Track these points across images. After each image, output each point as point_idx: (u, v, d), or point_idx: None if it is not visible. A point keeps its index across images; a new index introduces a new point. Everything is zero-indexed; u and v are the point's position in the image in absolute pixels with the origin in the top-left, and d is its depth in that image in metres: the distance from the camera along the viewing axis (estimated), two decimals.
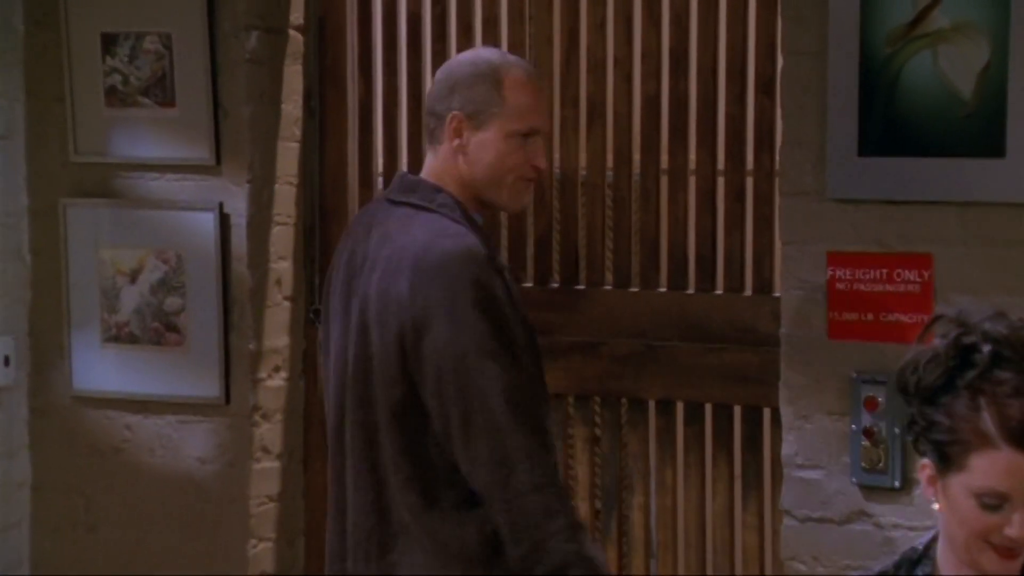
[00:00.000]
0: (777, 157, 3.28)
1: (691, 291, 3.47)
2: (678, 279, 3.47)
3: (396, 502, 2.58)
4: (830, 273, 3.16)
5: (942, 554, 1.97)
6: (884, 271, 3.13)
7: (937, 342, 1.92)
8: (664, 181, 3.49)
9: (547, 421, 2.55)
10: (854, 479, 3.16)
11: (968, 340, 1.90)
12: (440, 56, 3.64)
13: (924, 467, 1.93)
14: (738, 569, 3.44)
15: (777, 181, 3.29)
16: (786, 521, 3.23)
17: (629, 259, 3.51)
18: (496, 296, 2.51)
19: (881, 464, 3.13)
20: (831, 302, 3.16)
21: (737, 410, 3.42)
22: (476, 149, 2.61)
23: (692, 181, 3.45)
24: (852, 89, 3.09)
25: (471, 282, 2.49)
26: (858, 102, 3.09)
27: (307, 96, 3.76)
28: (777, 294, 3.31)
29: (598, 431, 3.56)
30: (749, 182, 3.42)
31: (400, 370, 2.54)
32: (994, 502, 1.85)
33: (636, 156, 3.50)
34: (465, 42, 3.60)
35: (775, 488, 3.34)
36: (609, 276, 3.53)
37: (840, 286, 3.16)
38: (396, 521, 2.59)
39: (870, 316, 3.14)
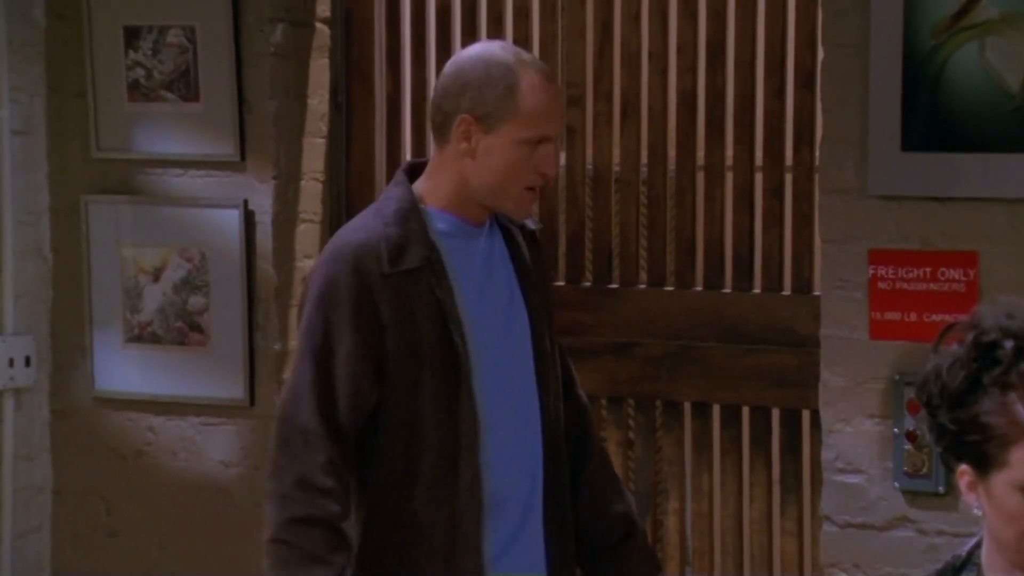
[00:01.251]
0: (817, 153, 3.23)
1: (728, 290, 3.41)
2: (714, 278, 3.42)
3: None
4: (872, 272, 3.13)
5: (988, 559, 1.93)
6: (928, 270, 3.09)
7: (955, 348, 1.90)
8: (700, 178, 3.44)
9: (314, 437, 2.47)
10: (896, 484, 3.12)
11: (988, 339, 1.88)
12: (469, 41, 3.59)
13: (963, 474, 1.91)
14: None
15: (817, 177, 3.24)
16: (826, 527, 3.18)
17: (664, 257, 3.46)
18: (337, 296, 2.49)
19: (924, 469, 3.09)
20: (873, 301, 3.12)
21: (775, 413, 3.37)
22: (484, 154, 2.53)
23: (729, 178, 3.39)
24: (895, 82, 3.06)
25: (324, 277, 2.52)
26: (901, 96, 3.06)
27: (333, 90, 3.73)
28: (817, 293, 3.26)
29: (631, 434, 3.51)
30: (788, 179, 3.36)
31: None
32: None
33: (671, 152, 3.45)
34: (496, 35, 3.55)
35: (815, 493, 3.28)
36: (643, 275, 3.48)
37: (882, 285, 3.12)
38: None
39: (913, 316, 3.11)
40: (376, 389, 2.51)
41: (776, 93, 3.33)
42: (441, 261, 2.55)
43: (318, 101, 3.70)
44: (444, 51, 3.62)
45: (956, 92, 3.02)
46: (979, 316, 1.92)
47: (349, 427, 2.50)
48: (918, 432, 3.09)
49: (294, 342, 3.67)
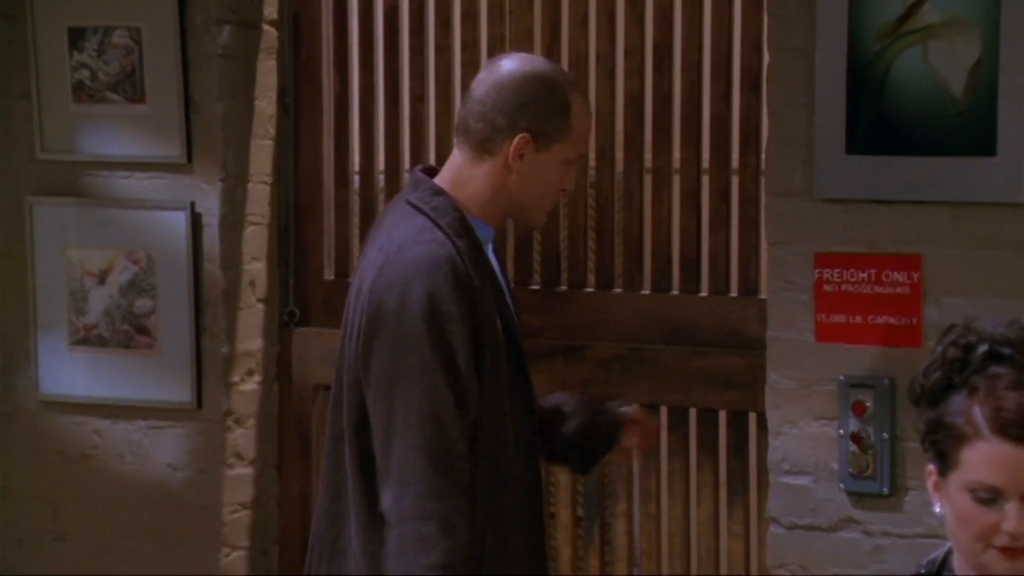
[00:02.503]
0: (763, 156, 3.23)
1: (675, 293, 3.42)
2: (662, 281, 3.43)
3: (349, 511, 2.57)
4: (818, 274, 3.13)
5: (958, 563, 1.95)
6: (873, 272, 3.10)
7: (938, 348, 1.92)
8: (648, 180, 3.44)
9: (460, 459, 2.47)
10: (842, 485, 3.13)
11: (966, 340, 1.90)
12: (418, 52, 3.58)
13: (929, 474, 1.93)
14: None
15: (763, 180, 3.25)
16: (773, 528, 3.19)
17: (612, 260, 3.47)
18: (447, 312, 2.47)
19: (870, 470, 3.10)
20: (818, 304, 3.13)
21: (722, 415, 3.38)
22: (529, 171, 2.60)
23: (676, 180, 3.40)
24: (840, 86, 3.06)
25: (425, 294, 2.47)
26: (846, 99, 3.07)
27: (281, 92, 3.71)
28: (763, 296, 3.26)
29: None
30: (734, 181, 3.37)
31: (359, 374, 2.54)
32: (987, 496, 1.83)
33: (619, 155, 3.45)
34: (444, 37, 3.54)
35: (761, 495, 3.29)
36: (592, 278, 3.49)
37: (828, 288, 3.13)
38: (349, 530, 2.58)
39: (858, 318, 3.11)
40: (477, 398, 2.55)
41: (723, 96, 3.34)
42: (493, 272, 2.62)
43: (266, 103, 3.68)
44: (392, 53, 3.62)
45: (900, 96, 3.04)
46: (970, 319, 1.94)
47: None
48: (863, 434, 3.10)
49: (242, 345, 3.66)
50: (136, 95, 3.61)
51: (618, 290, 3.46)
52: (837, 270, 3.12)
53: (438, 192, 2.59)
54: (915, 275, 3.07)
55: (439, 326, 2.47)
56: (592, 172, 3.48)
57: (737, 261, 3.36)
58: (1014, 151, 2.96)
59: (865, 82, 3.05)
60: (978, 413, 1.84)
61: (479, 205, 2.61)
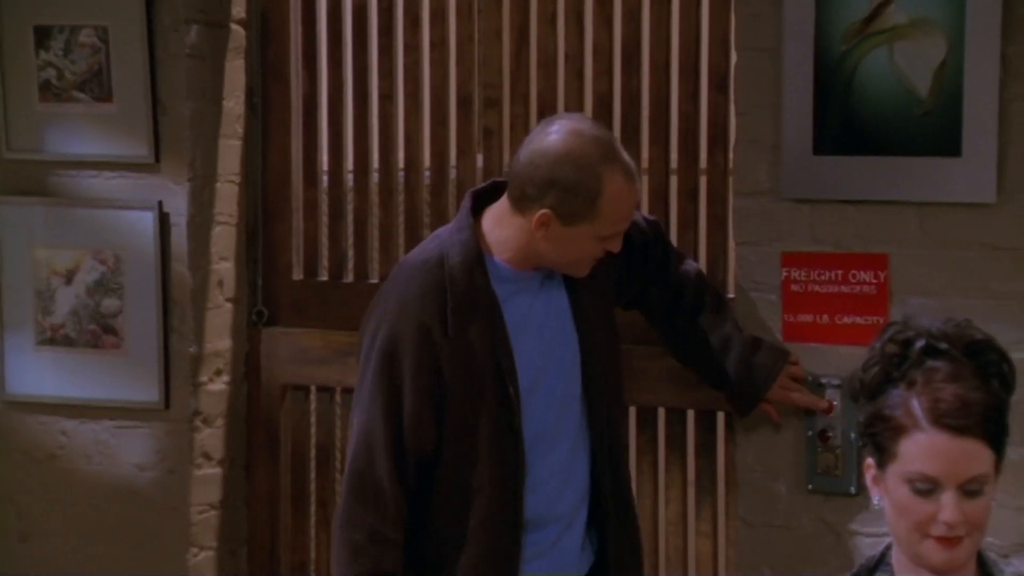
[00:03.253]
0: (731, 155, 3.23)
1: None
2: None
3: None
4: (785, 274, 3.14)
5: (896, 557, 1.96)
6: (840, 272, 3.11)
7: (876, 344, 1.94)
8: None
9: (382, 491, 2.64)
10: (810, 485, 3.14)
11: (904, 336, 1.92)
12: (387, 51, 3.58)
13: (868, 467, 1.95)
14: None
15: (731, 180, 3.25)
16: (741, 528, 3.19)
17: None
18: (403, 355, 2.61)
19: (837, 470, 3.11)
20: (786, 304, 3.14)
21: (691, 414, 3.37)
22: (558, 240, 2.66)
23: (645, 180, 3.39)
24: (807, 87, 3.07)
25: (389, 333, 2.63)
26: (813, 100, 3.08)
27: (249, 92, 3.69)
28: (731, 295, 3.26)
29: None
30: (702, 181, 3.37)
31: None
32: (924, 487, 1.85)
33: None
34: (413, 36, 3.54)
35: (730, 494, 3.30)
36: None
37: (795, 287, 3.14)
38: None
39: (825, 318, 3.12)
40: (435, 439, 2.65)
41: (691, 96, 3.34)
42: (500, 310, 2.67)
43: (234, 103, 3.67)
44: (361, 52, 3.61)
45: (867, 96, 3.05)
46: (908, 315, 1.96)
47: (413, 476, 2.66)
48: (830, 433, 3.11)
49: (210, 345, 3.65)
50: (103, 94, 3.59)
51: None
52: (804, 270, 3.13)
53: (464, 227, 2.69)
54: (882, 274, 3.08)
55: (391, 366, 2.62)
56: None
57: (705, 260, 3.36)
58: (979, 151, 2.98)
59: (832, 83, 3.06)
60: (916, 405, 1.86)
61: (508, 251, 2.70)
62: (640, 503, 3.42)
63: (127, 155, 3.60)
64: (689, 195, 3.36)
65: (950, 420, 1.84)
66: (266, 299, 3.70)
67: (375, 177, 3.63)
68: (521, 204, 2.66)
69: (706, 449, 3.37)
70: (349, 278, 3.62)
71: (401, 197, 3.59)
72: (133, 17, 3.53)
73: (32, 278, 3.68)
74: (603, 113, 3.41)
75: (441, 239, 2.73)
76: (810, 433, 3.13)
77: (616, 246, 2.72)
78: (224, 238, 3.68)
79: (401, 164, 3.58)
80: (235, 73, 3.67)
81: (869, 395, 1.93)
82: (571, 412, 2.77)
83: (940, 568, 1.88)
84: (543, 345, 2.73)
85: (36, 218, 3.67)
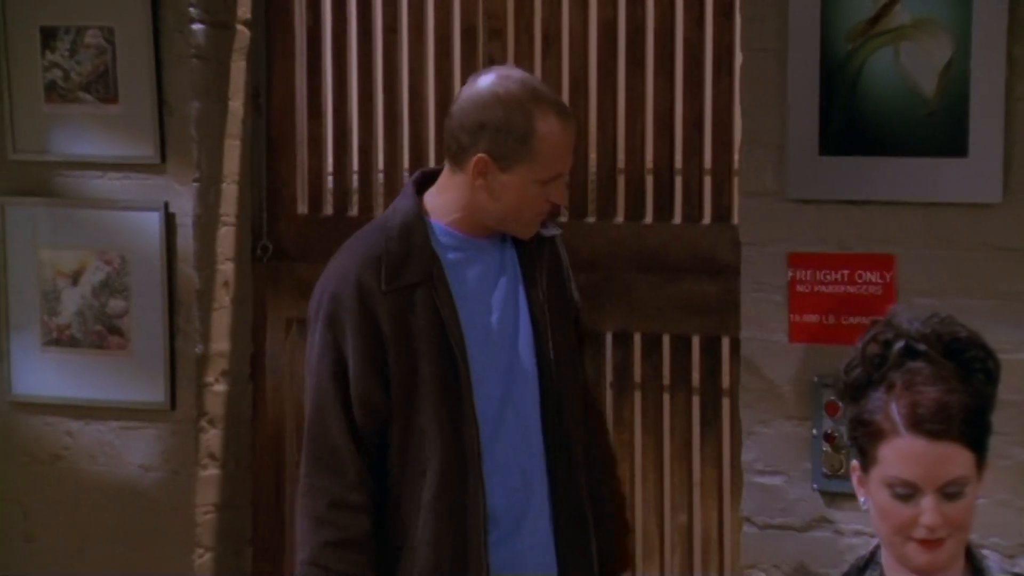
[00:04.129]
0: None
1: (649, 221, 3.43)
2: (636, 209, 3.43)
3: None
4: (791, 275, 3.14)
5: (885, 555, 1.97)
6: (846, 272, 3.11)
7: (858, 345, 1.95)
8: (621, 106, 3.43)
9: (342, 456, 2.58)
10: (815, 485, 3.13)
11: (884, 337, 1.92)
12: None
13: (854, 469, 1.96)
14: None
15: (736, 181, 3.26)
16: (746, 528, 3.20)
17: (585, 190, 3.46)
18: (344, 317, 2.57)
19: (843, 470, 3.11)
20: (792, 304, 3.14)
21: (696, 341, 3.37)
22: (498, 189, 2.62)
23: (650, 107, 3.39)
24: (813, 87, 3.07)
25: (331, 296, 2.60)
26: (819, 100, 3.08)
27: (255, 93, 3.69)
28: (735, 222, 3.26)
29: None
30: (707, 108, 3.37)
31: None
32: (904, 491, 1.86)
33: (592, 83, 3.45)
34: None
35: (734, 419, 3.28)
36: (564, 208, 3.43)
37: (801, 288, 3.13)
38: None
39: (831, 318, 3.12)
40: (387, 403, 2.60)
41: (696, 23, 3.33)
42: (444, 275, 2.62)
43: (239, 103, 3.67)
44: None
45: (872, 97, 3.04)
46: (891, 315, 1.95)
47: (372, 440, 2.60)
48: (836, 434, 3.11)
49: (216, 345, 3.65)
50: (109, 95, 3.60)
51: (591, 219, 3.46)
52: (810, 270, 3.13)
53: (405, 195, 2.66)
54: (888, 275, 3.08)
55: (334, 329, 2.58)
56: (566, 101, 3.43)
57: (710, 189, 3.35)
58: (985, 152, 2.97)
59: (837, 83, 3.06)
60: (894, 410, 1.87)
61: (451, 214, 2.65)
62: (645, 430, 3.41)
63: (133, 156, 3.60)
64: (694, 123, 3.35)
65: (928, 425, 1.85)
66: (270, 233, 3.69)
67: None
68: (458, 158, 2.62)
69: (711, 375, 3.36)
70: (354, 212, 3.61)
71: (406, 129, 3.57)
72: (139, 18, 3.54)
73: (38, 279, 3.68)
74: (608, 42, 3.40)
75: (383, 214, 2.73)
76: (815, 433, 3.13)
77: (559, 196, 2.67)
78: (229, 239, 3.68)
79: (406, 96, 3.56)
80: (240, 73, 3.68)
81: (852, 397, 1.93)
82: (524, 399, 2.69)
83: (924, 569, 1.89)
84: (494, 321, 2.67)
85: (42, 219, 3.68)
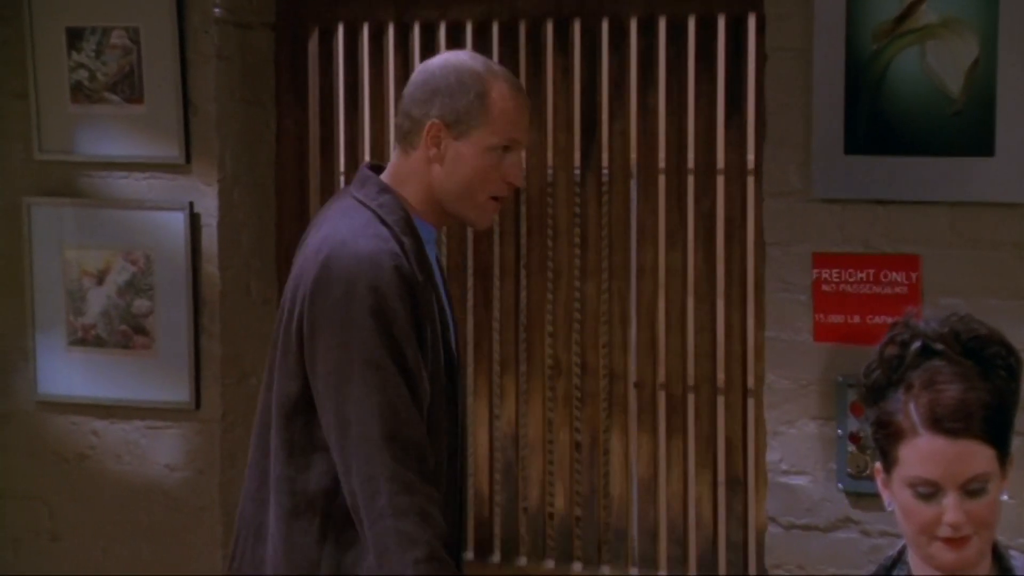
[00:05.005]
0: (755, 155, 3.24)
1: None
2: None
3: (272, 496, 2.57)
4: (816, 274, 3.13)
5: (912, 555, 1.97)
6: (871, 272, 3.10)
7: (878, 347, 1.95)
8: None
9: (423, 449, 2.48)
10: (840, 485, 3.13)
11: (901, 338, 1.92)
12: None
13: (877, 472, 1.96)
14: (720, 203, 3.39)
15: (761, 181, 3.25)
16: (771, 528, 3.19)
17: None
18: (392, 308, 2.46)
19: (868, 470, 3.10)
20: (817, 304, 3.13)
21: (721, 21, 3.33)
22: (453, 160, 2.56)
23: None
24: (838, 86, 3.06)
25: (369, 288, 2.46)
26: (844, 100, 3.07)
27: (277, 93, 3.70)
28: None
29: (576, 60, 3.48)
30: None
31: (297, 363, 2.52)
32: (926, 491, 1.86)
33: None
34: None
35: (758, 112, 3.26)
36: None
37: (826, 288, 3.13)
38: (271, 516, 2.58)
39: (856, 318, 3.11)
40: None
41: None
42: (432, 271, 2.59)
43: (262, 104, 3.68)
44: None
45: (898, 96, 3.04)
46: (908, 316, 1.95)
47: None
48: (861, 434, 3.10)
49: (240, 345, 3.65)
50: (134, 96, 3.61)
51: None
52: (835, 270, 3.12)
53: (385, 190, 2.59)
54: (913, 275, 3.07)
55: (386, 321, 2.46)
56: None
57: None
58: (1012, 151, 2.96)
59: (863, 82, 3.05)
60: (913, 409, 1.86)
61: (419, 203, 2.60)
62: (669, 119, 3.38)
63: (158, 156, 3.61)
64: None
65: (946, 423, 1.85)
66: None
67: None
68: (410, 135, 2.57)
69: (736, 56, 3.31)
70: None
71: None
72: (164, 19, 3.55)
73: (63, 279, 3.70)
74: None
75: (352, 210, 2.58)
76: (840, 433, 3.12)
77: (515, 173, 2.59)
78: (253, 239, 3.68)
79: None
80: (263, 74, 3.69)
81: (872, 399, 1.93)
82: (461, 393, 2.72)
83: (950, 568, 1.88)
84: (451, 318, 2.67)
85: (67, 219, 3.69)
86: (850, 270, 3.11)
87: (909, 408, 1.87)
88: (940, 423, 1.84)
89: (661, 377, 3.46)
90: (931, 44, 3.01)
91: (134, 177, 3.66)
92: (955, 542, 1.86)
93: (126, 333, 3.67)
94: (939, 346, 1.89)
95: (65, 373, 3.71)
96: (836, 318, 3.13)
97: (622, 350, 3.47)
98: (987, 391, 1.87)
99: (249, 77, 3.65)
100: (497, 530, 3.59)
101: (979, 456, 1.85)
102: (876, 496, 3.08)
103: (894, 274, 3.09)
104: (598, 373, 3.49)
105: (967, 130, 2.99)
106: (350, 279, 2.46)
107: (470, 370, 3.57)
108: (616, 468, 3.50)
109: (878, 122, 3.05)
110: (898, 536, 3.03)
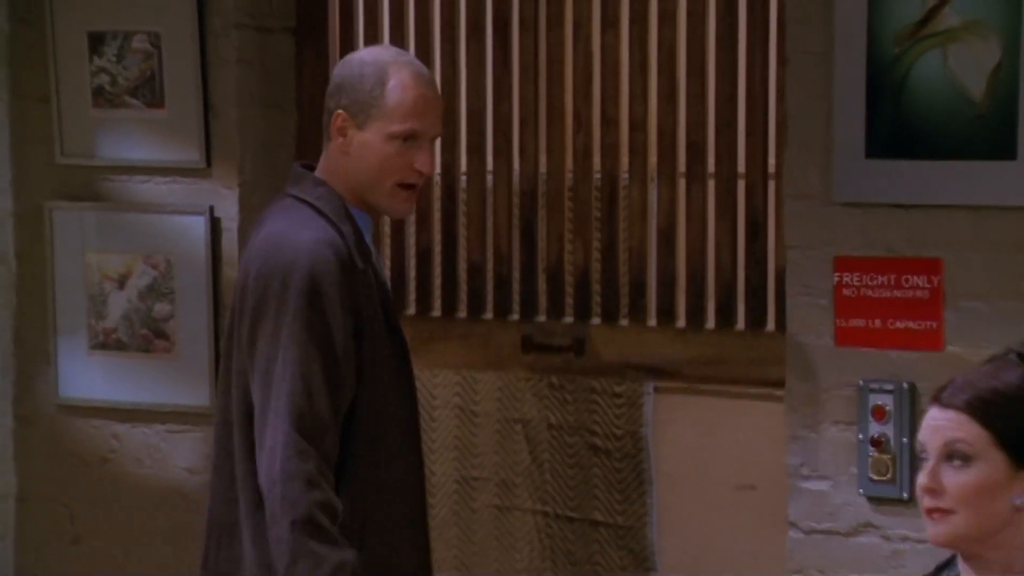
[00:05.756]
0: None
1: None
2: None
3: (240, 494, 2.60)
4: (837, 278, 3.12)
5: (961, 563, 1.97)
6: (892, 276, 3.09)
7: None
8: None
9: (327, 429, 2.51)
10: (861, 490, 3.12)
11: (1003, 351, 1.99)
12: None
13: None
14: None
15: (781, 184, 3.24)
16: (792, 533, 3.19)
17: None
18: (326, 293, 2.53)
19: (889, 474, 3.09)
20: (838, 308, 3.12)
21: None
22: (358, 149, 2.62)
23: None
24: (859, 90, 3.06)
25: (306, 275, 2.52)
26: (865, 103, 3.06)
27: (297, 97, 3.70)
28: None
29: None
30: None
31: (248, 357, 2.58)
32: (923, 455, 1.93)
33: None
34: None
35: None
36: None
37: (847, 292, 3.12)
38: (241, 513, 2.61)
39: (878, 322, 3.11)
40: (357, 383, 2.58)
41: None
42: (371, 258, 2.65)
43: (283, 107, 3.68)
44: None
45: (920, 99, 3.03)
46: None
47: (340, 421, 2.57)
48: (883, 438, 3.09)
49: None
50: (155, 100, 3.62)
51: None
52: (856, 274, 3.12)
53: (319, 183, 2.64)
54: (935, 279, 3.06)
55: (317, 303, 2.52)
56: None
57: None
58: None
59: (884, 86, 3.04)
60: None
61: (346, 192, 2.65)
62: None
63: (179, 160, 3.62)
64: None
65: (944, 395, 1.92)
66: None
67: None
68: (327, 128, 2.65)
69: None
70: None
71: None
72: (185, 23, 3.56)
73: (85, 283, 3.70)
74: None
75: (290, 207, 2.64)
76: (861, 437, 3.11)
77: (424, 161, 2.62)
78: None
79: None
80: (284, 78, 3.69)
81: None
82: None
83: (931, 540, 1.93)
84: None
85: (89, 223, 3.70)
86: (871, 274, 3.10)
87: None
88: (939, 394, 1.93)
89: (682, 123, 3.36)
90: (953, 47, 3.00)
91: (155, 181, 3.66)
92: (930, 512, 1.90)
93: (147, 337, 3.67)
94: (1017, 353, 1.95)
95: (86, 377, 3.72)
96: (857, 322, 3.12)
97: (642, 99, 3.38)
98: (1010, 385, 1.90)
99: (270, 81, 3.66)
100: (516, 287, 3.52)
101: (961, 427, 1.90)
102: (897, 501, 3.09)
103: (916, 278, 3.08)
104: (618, 123, 3.40)
105: (989, 133, 2.98)
106: (288, 269, 2.53)
107: (490, 129, 3.51)
108: (635, 219, 3.42)
109: (900, 126, 3.04)
110: (919, 541, 3.04)
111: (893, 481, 3.10)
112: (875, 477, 3.10)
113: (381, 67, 2.61)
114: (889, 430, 3.09)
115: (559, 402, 3.62)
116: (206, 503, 2.73)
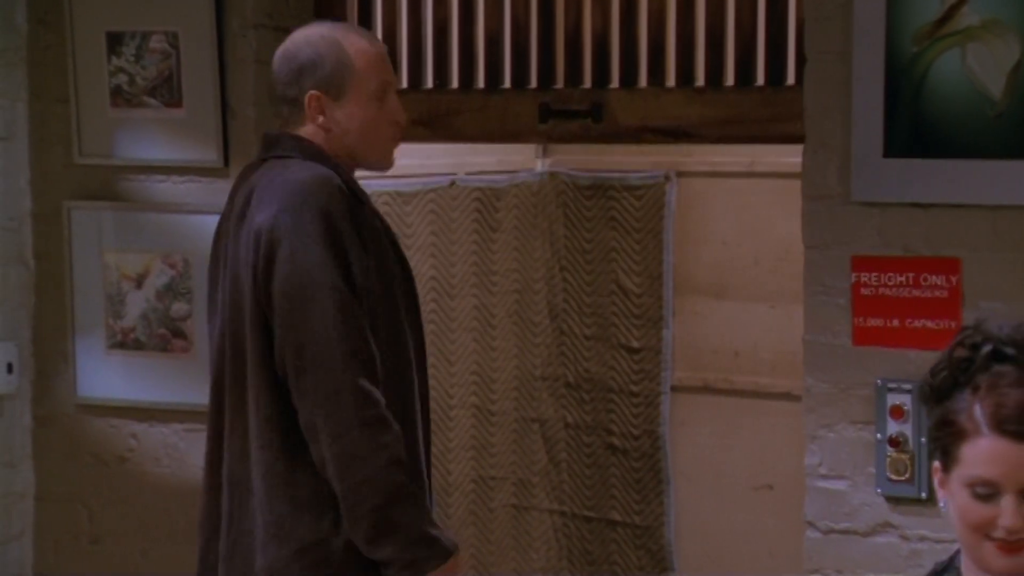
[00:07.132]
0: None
1: None
2: None
3: (259, 451, 2.64)
4: (855, 278, 3.12)
5: (965, 562, 1.95)
6: (910, 276, 3.09)
7: (948, 349, 1.94)
8: None
9: (377, 364, 2.56)
10: (879, 489, 3.11)
11: (971, 341, 1.92)
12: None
13: (935, 471, 1.94)
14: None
15: (800, 184, 3.24)
16: (809, 533, 3.18)
17: None
18: (342, 229, 2.57)
19: (908, 474, 3.09)
20: (856, 307, 3.12)
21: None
22: (343, 120, 2.69)
23: None
24: (878, 89, 3.05)
25: (319, 211, 2.57)
26: (884, 102, 3.06)
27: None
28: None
29: None
30: None
31: (261, 311, 2.61)
32: (985, 491, 1.84)
33: None
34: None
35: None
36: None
37: (865, 291, 3.11)
38: (255, 470, 2.65)
39: (896, 322, 3.10)
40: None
41: None
42: (369, 200, 2.72)
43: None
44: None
45: (938, 98, 3.02)
46: (980, 320, 1.95)
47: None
48: (901, 438, 3.09)
49: None
50: (173, 99, 3.63)
51: None
52: (875, 273, 3.11)
53: (299, 139, 2.69)
54: (954, 278, 3.05)
55: (337, 243, 2.56)
56: None
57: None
58: None
59: (903, 85, 3.04)
60: (978, 410, 1.86)
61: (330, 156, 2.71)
62: None
63: (197, 160, 3.63)
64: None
65: (1010, 426, 1.84)
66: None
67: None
68: (294, 113, 2.70)
69: None
70: None
71: None
72: (203, 23, 3.57)
73: (103, 282, 3.72)
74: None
75: (280, 164, 2.67)
76: (880, 437, 3.11)
77: (398, 112, 2.73)
78: None
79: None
80: None
81: (937, 399, 1.92)
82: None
83: (1002, 573, 1.87)
84: None
85: (107, 222, 3.71)
86: (890, 273, 3.10)
87: (974, 409, 1.86)
88: (1004, 425, 1.84)
89: None
90: (972, 46, 2.99)
91: (173, 180, 3.67)
92: (1009, 547, 1.85)
93: (164, 336, 3.68)
94: (1010, 351, 1.89)
95: (104, 376, 3.73)
96: (875, 321, 3.11)
97: None
98: None
99: None
100: (534, 56, 3.49)
101: None
102: (915, 501, 3.08)
103: (934, 277, 3.07)
104: None
105: (1008, 132, 2.97)
106: (298, 207, 2.57)
107: None
108: None
109: (918, 125, 3.04)
110: (937, 541, 3.03)
111: (911, 481, 3.09)
112: (893, 477, 3.10)
113: (332, 41, 2.69)
114: (907, 429, 3.08)
115: (576, 401, 3.63)
116: (204, 464, 2.78)
